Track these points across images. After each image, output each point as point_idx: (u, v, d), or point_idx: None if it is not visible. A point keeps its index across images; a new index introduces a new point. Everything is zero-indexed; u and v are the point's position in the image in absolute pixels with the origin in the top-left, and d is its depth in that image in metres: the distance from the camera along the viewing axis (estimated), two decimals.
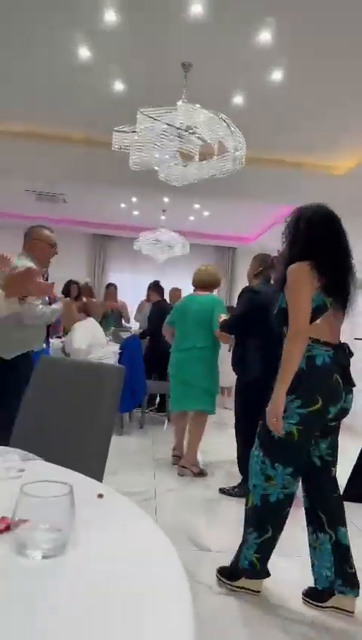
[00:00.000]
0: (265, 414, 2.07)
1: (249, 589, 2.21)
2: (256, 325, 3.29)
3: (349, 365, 2.13)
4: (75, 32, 3.65)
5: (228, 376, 4.40)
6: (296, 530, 2.46)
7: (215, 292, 4.25)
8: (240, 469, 3.48)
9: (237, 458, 3.54)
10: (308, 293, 2.02)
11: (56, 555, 0.78)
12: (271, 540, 2.16)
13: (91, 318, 4.92)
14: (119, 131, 3.72)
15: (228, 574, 2.26)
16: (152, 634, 0.62)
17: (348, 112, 4.51)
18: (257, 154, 5.09)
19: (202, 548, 2.64)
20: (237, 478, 3.55)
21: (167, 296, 6.67)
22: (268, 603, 2.17)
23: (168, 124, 3.47)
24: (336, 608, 2.11)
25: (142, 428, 5.30)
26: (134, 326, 7.55)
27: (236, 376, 3.59)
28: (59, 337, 5.26)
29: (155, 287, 6.36)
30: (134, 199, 8.20)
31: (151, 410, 6.15)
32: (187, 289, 4.36)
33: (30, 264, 2.99)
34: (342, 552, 2.13)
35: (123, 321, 7.47)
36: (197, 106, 3.49)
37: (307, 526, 2.24)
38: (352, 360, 2.15)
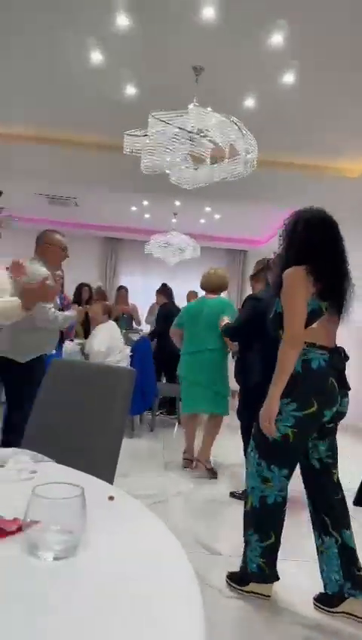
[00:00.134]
0: (259, 417, 2.08)
1: (259, 594, 2.20)
2: (259, 332, 3.30)
3: (344, 369, 2.15)
4: (87, 36, 3.68)
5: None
6: (305, 535, 2.45)
7: (223, 294, 4.26)
8: None
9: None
10: (304, 297, 2.03)
11: (67, 557, 0.78)
12: (275, 543, 2.16)
13: (112, 321, 4.96)
14: (131, 135, 3.74)
15: (238, 579, 2.25)
16: (162, 637, 0.62)
17: (360, 114, 4.49)
18: (269, 157, 5.08)
19: (212, 551, 2.64)
20: None
21: (181, 298, 6.70)
22: (279, 608, 2.16)
23: (180, 128, 3.48)
24: (347, 614, 2.09)
25: (153, 431, 5.30)
26: (145, 329, 7.57)
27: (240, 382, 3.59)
28: (72, 340, 5.29)
29: (162, 290, 6.42)
30: (145, 202, 8.22)
31: (161, 413, 6.15)
32: (201, 292, 4.39)
33: (43, 269, 3.04)
34: (348, 555, 2.12)
35: (134, 323, 7.49)
36: (209, 109, 3.50)
37: (313, 530, 2.23)
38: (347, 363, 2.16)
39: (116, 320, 6.35)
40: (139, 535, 0.92)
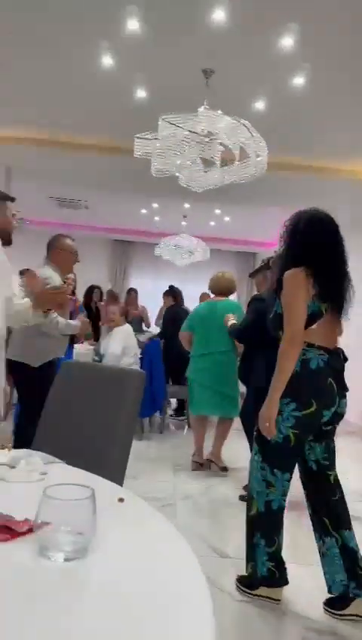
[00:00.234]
0: (259, 418, 2.09)
1: (269, 598, 2.19)
2: (265, 333, 3.30)
3: (343, 370, 2.15)
4: (98, 40, 3.70)
5: None
6: (309, 539, 2.43)
7: (231, 297, 4.28)
8: None
9: None
10: (304, 299, 2.04)
11: (77, 558, 0.78)
12: (279, 547, 2.17)
13: (128, 325, 4.98)
14: (141, 138, 3.75)
15: (248, 583, 2.24)
16: None
17: None
18: (279, 159, 5.07)
19: (222, 555, 2.63)
20: None
21: (192, 301, 6.71)
22: (289, 612, 2.14)
23: (190, 131, 3.49)
24: (356, 615, 2.08)
25: (162, 433, 5.30)
26: (155, 331, 7.58)
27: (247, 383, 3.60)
28: (82, 343, 5.32)
29: (169, 292, 6.46)
30: (155, 205, 8.25)
31: (171, 416, 6.15)
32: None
33: (55, 274, 3.09)
34: (350, 555, 2.12)
35: (143, 325, 7.51)
36: (219, 112, 3.51)
37: (314, 532, 2.23)
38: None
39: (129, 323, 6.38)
40: (149, 537, 0.92)
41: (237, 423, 4.07)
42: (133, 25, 3.45)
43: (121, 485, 1.32)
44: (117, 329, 4.82)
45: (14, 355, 3.10)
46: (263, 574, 2.17)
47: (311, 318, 2.06)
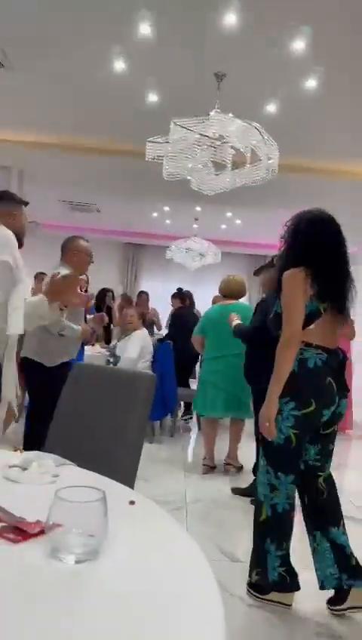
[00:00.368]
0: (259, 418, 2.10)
1: (280, 603, 2.17)
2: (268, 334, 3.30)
3: (343, 370, 2.15)
4: (110, 45, 3.72)
5: None
6: None
7: (242, 300, 4.28)
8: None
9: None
10: (302, 299, 2.04)
11: (88, 560, 0.79)
12: (288, 550, 2.16)
13: (145, 329, 5.00)
14: (153, 142, 3.77)
15: (259, 588, 2.23)
16: None
17: None
18: (290, 161, 5.06)
19: (233, 559, 2.62)
20: None
21: (204, 303, 6.72)
22: (301, 617, 2.13)
23: (201, 134, 3.49)
24: (354, 607, 2.09)
25: (173, 436, 5.30)
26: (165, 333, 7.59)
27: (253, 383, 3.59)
28: (93, 345, 5.34)
29: (177, 295, 6.50)
30: (166, 208, 8.26)
31: (183, 418, 6.14)
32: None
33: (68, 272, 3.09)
34: (339, 551, 2.13)
35: (155, 328, 7.52)
36: (230, 115, 3.51)
37: (306, 530, 2.24)
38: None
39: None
40: (160, 540, 0.92)
41: (248, 426, 4.06)
42: (145, 29, 3.46)
43: (132, 488, 1.32)
44: (135, 333, 4.84)
45: (29, 354, 3.13)
46: (274, 579, 2.15)
47: (309, 318, 2.07)
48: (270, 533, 2.16)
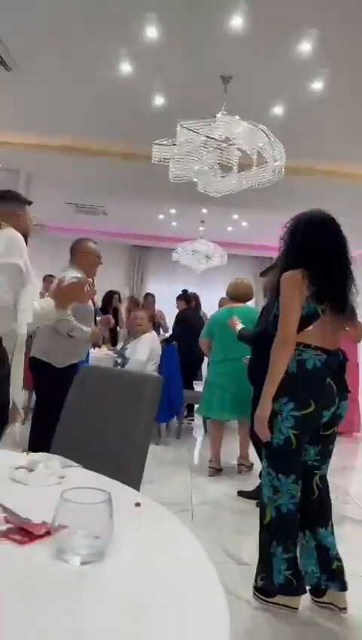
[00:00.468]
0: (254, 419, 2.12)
1: (287, 606, 2.16)
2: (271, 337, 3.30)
3: (344, 371, 2.15)
4: (117, 48, 3.74)
5: None
6: None
7: (249, 303, 4.28)
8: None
9: None
10: (298, 302, 2.05)
11: (94, 562, 0.79)
12: (294, 553, 2.15)
13: (154, 332, 5.00)
14: (159, 144, 3.78)
15: (265, 591, 2.22)
16: None
17: None
18: (297, 164, 5.06)
19: (239, 561, 2.61)
20: None
21: (210, 305, 6.74)
22: (307, 621, 2.11)
23: (207, 137, 3.50)
24: (332, 604, 2.12)
25: (179, 438, 5.29)
26: None
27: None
28: (99, 347, 5.34)
29: (182, 296, 6.54)
30: (173, 211, 8.28)
31: (189, 418, 6.14)
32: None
33: (80, 275, 3.11)
34: (323, 551, 2.15)
35: (161, 330, 7.53)
36: (237, 117, 3.51)
37: None
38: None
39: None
40: (166, 543, 0.92)
41: None
42: (151, 32, 3.48)
43: (138, 490, 1.32)
44: (144, 335, 4.84)
45: (39, 354, 3.14)
46: (280, 582, 2.14)
47: (307, 320, 2.07)
48: (275, 535, 2.15)
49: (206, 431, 5.53)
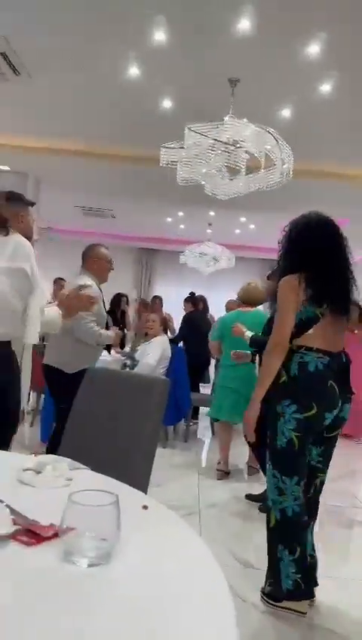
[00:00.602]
0: (269, 427, 2.12)
1: (294, 610, 2.15)
2: None
3: (347, 373, 2.15)
4: (125, 51, 3.76)
5: None
6: (343, 552, 2.39)
7: (260, 307, 4.27)
8: None
9: None
10: (293, 307, 2.07)
11: (101, 564, 0.79)
12: (302, 556, 2.13)
13: (165, 335, 5.00)
14: (167, 147, 3.79)
15: (273, 595, 2.21)
16: None
17: None
18: (305, 166, 5.05)
19: (246, 565, 2.60)
20: None
21: (217, 308, 6.75)
22: (314, 625, 2.10)
23: (215, 140, 3.50)
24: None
25: (187, 441, 5.29)
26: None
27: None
28: (109, 351, 5.36)
29: (190, 299, 6.56)
30: (180, 213, 8.29)
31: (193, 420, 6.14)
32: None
33: (90, 282, 3.14)
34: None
35: (168, 332, 7.54)
36: (244, 120, 3.52)
37: None
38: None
39: None
40: (173, 546, 0.92)
41: None
42: (159, 35, 3.49)
43: (145, 492, 1.32)
44: (155, 339, 4.84)
45: (51, 361, 3.21)
46: (288, 587, 2.12)
47: (307, 323, 2.08)
48: (281, 538, 2.14)
49: (213, 434, 5.52)
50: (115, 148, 5.64)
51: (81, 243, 3.57)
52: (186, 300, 6.60)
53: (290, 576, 2.11)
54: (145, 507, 1.04)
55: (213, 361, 6.12)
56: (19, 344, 1.83)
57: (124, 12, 3.26)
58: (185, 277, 10.33)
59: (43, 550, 0.82)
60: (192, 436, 5.51)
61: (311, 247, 2.11)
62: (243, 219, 8.25)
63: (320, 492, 2.29)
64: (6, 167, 6.43)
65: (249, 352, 3.78)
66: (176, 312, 7.93)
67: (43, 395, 4.65)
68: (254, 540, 2.92)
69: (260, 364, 3.54)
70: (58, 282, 6.45)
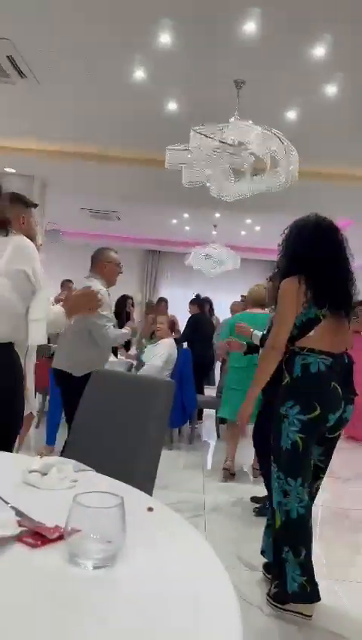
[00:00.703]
0: (273, 429, 2.13)
1: (300, 613, 2.14)
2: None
3: (350, 374, 2.15)
4: (131, 54, 3.77)
5: None
6: (349, 555, 2.38)
7: (267, 309, 4.26)
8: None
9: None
10: (292, 309, 2.08)
11: (106, 566, 0.79)
12: (307, 558, 2.12)
13: (172, 338, 5.01)
14: (172, 149, 3.79)
15: (279, 598, 2.20)
16: None
17: None
18: (310, 168, 5.04)
19: (251, 567, 2.59)
20: None
21: (222, 310, 6.75)
22: (320, 628, 2.09)
23: (221, 142, 3.50)
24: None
25: (192, 443, 5.29)
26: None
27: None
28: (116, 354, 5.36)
29: (195, 301, 6.57)
30: (186, 215, 8.29)
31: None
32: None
33: (100, 286, 3.15)
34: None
35: (173, 334, 7.54)
36: (250, 122, 3.51)
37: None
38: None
39: None
40: (178, 548, 0.91)
41: None
42: (165, 38, 3.50)
43: (151, 495, 1.32)
44: (162, 341, 4.84)
45: (59, 365, 3.23)
46: (294, 590, 2.11)
47: (308, 325, 2.08)
48: (286, 540, 2.13)
49: (219, 436, 5.51)
50: (120, 150, 5.65)
51: (87, 245, 3.58)
52: (192, 302, 6.61)
53: (296, 579, 2.10)
54: (150, 509, 1.04)
55: (218, 363, 6.12)
56: (22, 346, 1.83)
57: (130, 15, 3.27)
58: (190, 279, 10.33)
59: (48, 552, 0.82)
60: (197, 438, 5.51)
61: (306, 256, 2.12)
62: (248, 221, 8.24)
63: (317, 492, 2.30)
64: (12, 170, 6.46)
65: (244, 342, 3.74)
66: (181, 314, 7.94)
67: (47, 397, 4.67)
68: (259, 542, 2.91)
69: None
70: (66, 284, 6.46)
